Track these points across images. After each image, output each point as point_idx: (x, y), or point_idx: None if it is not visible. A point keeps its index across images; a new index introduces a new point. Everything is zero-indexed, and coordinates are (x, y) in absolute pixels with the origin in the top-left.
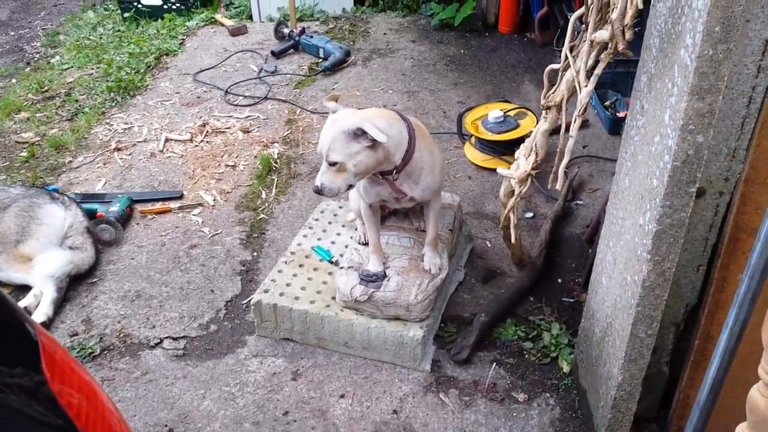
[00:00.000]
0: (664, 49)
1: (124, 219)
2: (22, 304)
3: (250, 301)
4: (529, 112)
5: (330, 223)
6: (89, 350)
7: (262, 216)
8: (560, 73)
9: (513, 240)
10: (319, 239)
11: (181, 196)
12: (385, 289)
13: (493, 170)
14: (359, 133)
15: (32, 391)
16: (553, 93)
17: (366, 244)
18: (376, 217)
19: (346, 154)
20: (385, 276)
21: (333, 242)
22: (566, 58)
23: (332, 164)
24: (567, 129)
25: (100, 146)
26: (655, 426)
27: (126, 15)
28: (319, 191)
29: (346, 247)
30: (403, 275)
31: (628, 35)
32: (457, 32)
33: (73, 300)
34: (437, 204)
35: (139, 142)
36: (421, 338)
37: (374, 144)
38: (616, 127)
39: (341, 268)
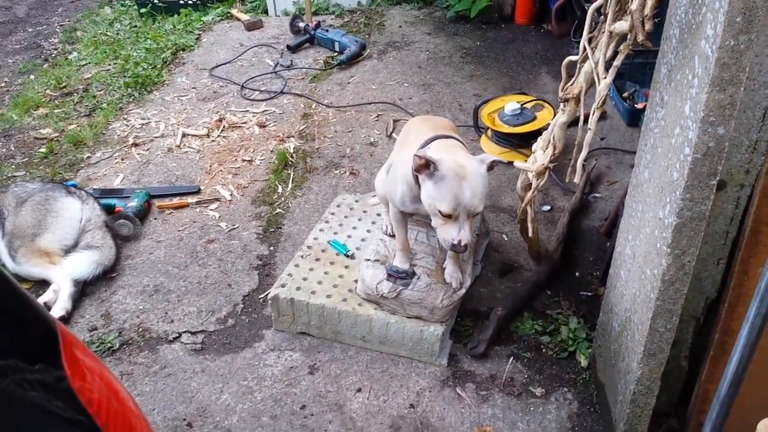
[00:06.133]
0: (684, 40)
1: (142, 214)
2: (42, 299)
3: (267, 295)
4: (546, 104)
5: (346, 216)
6: (108, 345)
7: (278, 210)
8: (578, 65)
9: (530, 233)
10: (335, 233)
11: (198, 191)
12: (413, 287)
13: (510, 163)
14: (489, 169)
15: (52, 388)
16: (571, 85)
17: (392, 235)
18: (406, 219)
19: (485, 195)
20: (414, 274)
21: (349, 236)
22: (585, 49)
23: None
24: (585, 121)
25: (117, 142)
26: (674, 420)
27: (142, 10)
28: (465, 248)
29: (363, 240)
30: (432, 277)
31: (648, 26)
32: (473, 24)
33: (92, 295)
34: None
35: (156, 137)
36: (440, 334)
37: None
38: (634, 118)
39: (367, 260)
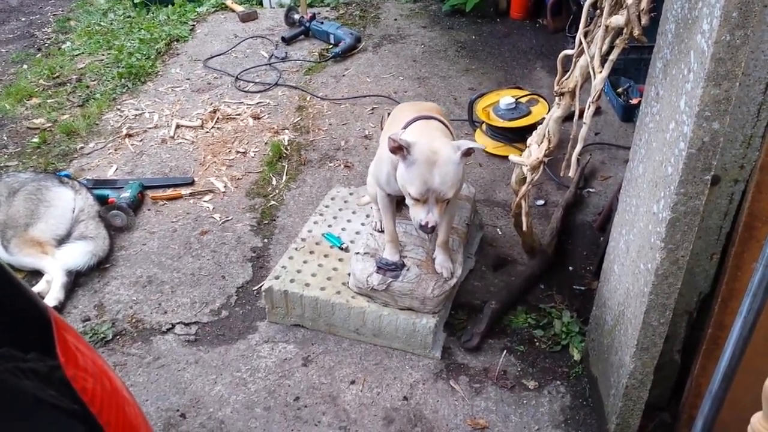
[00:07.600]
0: (680, 35)
1: (136, 205)
2: (35, 289)
3: (261, 287)
4: (541, 99)
5: (340, 209)
6: (101, 335)
7: (272, 203)
8: (574, 59)
9: (524, 227)
10: (329, 226)
11: (192, 183)
12: (403, 279)
13: (504, 157)
14: (465, 155)
15: (46, 376)
16: (566, 79)
17: (382, 231)
18: (393, 206)
19: (458, 182)
20: (403, 266)
21: (343, 229)
22: (580, 43)
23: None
24: (580, 116)
25: (111, 132)
26: (666, 414)
27: (137, 1)
28: (432, 229)
29: (357, 233)
30: (423, 268)
31: (644, 20)
32: (468, 18)
33: (85, 285)
34: (453, 207)
35: (150, 128)
36: (433, 326)
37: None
38: (628, 114)
39: (357, 253)
